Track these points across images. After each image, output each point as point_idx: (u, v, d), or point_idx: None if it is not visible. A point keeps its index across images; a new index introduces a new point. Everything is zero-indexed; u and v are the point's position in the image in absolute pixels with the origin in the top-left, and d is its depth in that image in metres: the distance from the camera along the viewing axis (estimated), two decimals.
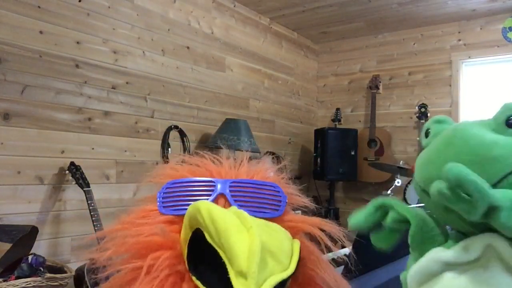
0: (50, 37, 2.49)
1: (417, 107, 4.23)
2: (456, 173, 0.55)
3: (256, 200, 0.54)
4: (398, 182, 3.36)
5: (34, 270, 1.92)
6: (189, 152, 3.31)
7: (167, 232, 0.50)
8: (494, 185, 0.57)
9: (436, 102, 4.24)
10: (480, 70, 4.14)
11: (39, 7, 2.43)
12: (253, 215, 0.50)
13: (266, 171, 0.61)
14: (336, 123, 4.68)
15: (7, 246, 1.88)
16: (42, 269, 1.94)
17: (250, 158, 0.63)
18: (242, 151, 3.33)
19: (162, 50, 3.15)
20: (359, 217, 0.70)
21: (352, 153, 4.33)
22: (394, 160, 4.27)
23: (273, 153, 4.19)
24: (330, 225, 0.59)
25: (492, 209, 0.55)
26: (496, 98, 4.02)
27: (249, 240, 0.42)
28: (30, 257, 1.98)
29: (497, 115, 0.64)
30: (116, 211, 2.81)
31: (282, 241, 0.47)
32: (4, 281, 1.82)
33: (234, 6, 3.83)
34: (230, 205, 0.53)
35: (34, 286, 1.83)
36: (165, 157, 3.14)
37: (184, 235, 0.48)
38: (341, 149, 4.30)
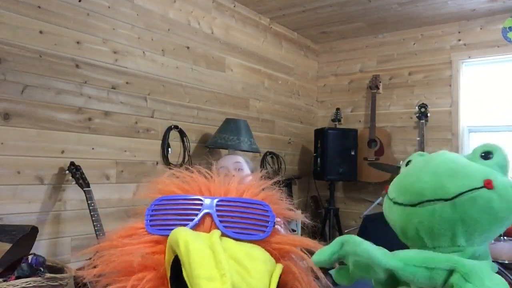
0: (50, 37, 2.49)
1: (417, 107, 4.23)
2: (347, 240, 0.64)
3: (243, 221, 0.52)
4: None
5: (34, 270, 1.92)
6: (189, 152, 3.31)
7: (148, 256, 0.49)
8: (458, 195, 0.68)
9: (436, 102, 4.24)
10: (480, 70, 4.14)
11: (39, 7, 2.43)
12: (238, 237, 0.50)
13: (257, 187, 0.59)
14: (336, 123, 4.69)
15: (7, 246, 1.88)
16: (42, 269, 1.94)
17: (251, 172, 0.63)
18: (242, 150, 3.34)
19: (162, 50, 3.15)
20: (323, 254, 0.74)
21: (352, 153, 4.33)
22: (394, 160, 4.27)
23: (272, 153, 4.19)
24: (318, 246, 0.58)
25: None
26: (496, 98, 4.02)
27: None
28: (30, 257, 1.98)
29: (476, 149, 0.79)
30: (116, 211, 2.81)
31: (259, 279, 0.45)
32: (4, 281, 1.82)
33: (234, 6, 3.83)
34: (215, 226, 0.51)
35: (34, 286, 1.83)
36: (165, 157, 3.14)
37: (168, 256, 0.48)
38: (341, 149, 4.29)
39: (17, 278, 1.85)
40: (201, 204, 0.52)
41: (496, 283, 0.66)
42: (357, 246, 0.63)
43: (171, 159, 3.18)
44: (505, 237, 2.89)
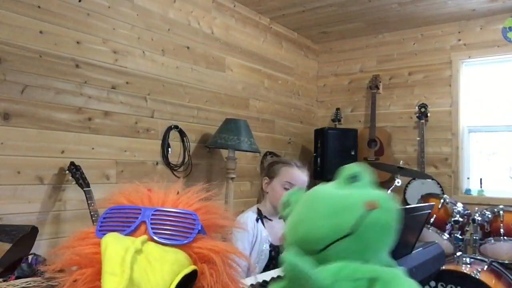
0: (50, 37, 2.49)
1: (417, 107, 4.24)
2: (289, 262, 0.73)
3: (171, 228, 0.62)
4: (398, 182, 3.35)
5: (34, 270, 1.92)
6: (189, 152, 3.31)
7: (88, 255, 0.59)
8: (354, 225, 0.74)
9: (436, 102, 4.24)
10: (480, 70, 4.14)
11: (39, 7, 2.43)
12: (164, 242, 0.60)
13: (192, 198, 0.68)
14: (336, 123, 4.68)
15: (7, 246, 1.88)
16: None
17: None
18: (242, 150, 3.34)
19: (162, 50, 3.15)
20: None
21: (352, 153, 4.33)
22: (394, 160, 4.27)
23: (273, 153, 4.19)
24: (237, 252, 0.64)
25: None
26: (496, 98, 4.02)
27: (118, 283, 0.51)
28: (30, 257, 1.98)
29: (340, 176, 0.83)
30: None
31: (161, 277, 0.54)
32: (4, 281, 1.82)
33: (234, 6, 3.83)
34: (148, 232, 0.61)
35: (34, 286, 1.83)
36: (165, 157, 3.14)
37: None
38: (341, 149, 4.30)
39: (17, 278, 1.86)
40: (140, 214, 0.63)
41: (414, 286, 0.73)
42: (295, 264, 0.73)
43: (171, 159, 3.18)
44: (505, 237, 2.90)
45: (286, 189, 1.97)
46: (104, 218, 0.65)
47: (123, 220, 0.63)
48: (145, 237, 0.59)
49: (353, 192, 0.79)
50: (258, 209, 2.08)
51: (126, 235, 0.60)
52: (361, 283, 0.73)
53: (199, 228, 0.63)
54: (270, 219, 2.06)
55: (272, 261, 1.98)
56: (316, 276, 0.72)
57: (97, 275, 0.56)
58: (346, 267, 0.74)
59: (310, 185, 4.08)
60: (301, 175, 2.04)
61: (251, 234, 1.96)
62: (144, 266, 0.54)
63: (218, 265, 0.60)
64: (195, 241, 0.62)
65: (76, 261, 0.59)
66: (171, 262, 0.57)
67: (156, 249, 0.58)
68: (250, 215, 2.03)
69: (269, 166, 2.12)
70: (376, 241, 0.77)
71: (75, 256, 0.60)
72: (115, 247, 0.54)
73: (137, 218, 0.62)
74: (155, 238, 0.60)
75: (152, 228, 0.61)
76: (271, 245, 1.99)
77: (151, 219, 0.62)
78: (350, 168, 0.83)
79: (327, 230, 0.77)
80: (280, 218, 2.17)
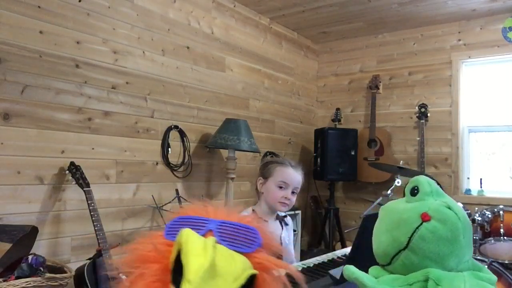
0: (50, 37, 2.49)
1: (417, 107, 4.23)
2: (347, 274, 0.81)
3: (235, 239, 0.67)
4: (398, 182, 3.35)
5: (34, 270, 1.92)
6: (189, 152, 3.31)
7: (159, 246, 0.63)
8: (410, 238, 0.79)
9: (436, 102, 4.24)
10: (480, 70, 4.14)
11: (39, 7, 2.43)
12: (230, 247, 0.65)
13: (251, 220, 0.73)
14: (336, 123, 4.68)
15: (7, 246, 1.88)
16: (42, 269, 1.95)
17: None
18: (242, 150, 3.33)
19: (162, 50, 3.15)
20: None
21: (352, 153, 4.33)
22: (394, 160, 4.27)
23: (273, 153, 4.19)
24: (291, 268, 0.69)
25: None
26: (496, 98, 4.02)
27: (201, 263, 0.55)
28: (30, 257, 1.98)
29: (405, 189, 0.88)
30: (116, 211, 2.81)
31: (236, 267, 0.59)
32: (4, 281, 1.82)
33: (234, 6, 3.83)
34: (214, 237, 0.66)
35: (34, 286, 1.83)
36: (165, 157, 3.14)
37: (173, 254, 0.61)
38: (341, 149, 4.30)
39: (17, 278, 1.86)
40: (207, 223, 0.68)
41: (472, 284, 0.73)
42: (352, 275, 0.80)
43: (171, 159, 3.18)
44: (505, 237, 2.90)
45: (281, 188, 1.97)
46: (171, 225, 0.70)
47: (191, 227, 0.66)
48: (214, 238, 0.63)
49: (411, 205, 0.83)
50: (253, 210, 2.08)
51: None
52: (417, 285, 0.76)
53: (260, 242, 0.67)
54: (265, 220, 2.05)
55: None
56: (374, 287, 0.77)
57: (165, 271, 0.61)
58: (400, 277, 0.79)
59: (309, 185, 4.07)
60: (296, 175, 2.03)
61: None
62: (223, 254, 0.59)
63: (275, 277, 0.65)
64: (256, 252, 0.66)
65: (145, 256, 0.63)
66: (242, 260, 0.62)
67: (226, 249, 0.62)
68: None
69: (263, 167, 2.11)
70: (434, 252, 0.77)
71: (146, 251, 0.63)
72: (196, 236, 0.59)
73: (204, 226, 0.67)
74: (223, 243, 0.64)
75: (219, 236, 0.65)
76: None
77: (218, 228, 0.67)
78: (411, 182, 0.87)
79: (387, 245, 0.82)
80: (276, 219, 2.15)
